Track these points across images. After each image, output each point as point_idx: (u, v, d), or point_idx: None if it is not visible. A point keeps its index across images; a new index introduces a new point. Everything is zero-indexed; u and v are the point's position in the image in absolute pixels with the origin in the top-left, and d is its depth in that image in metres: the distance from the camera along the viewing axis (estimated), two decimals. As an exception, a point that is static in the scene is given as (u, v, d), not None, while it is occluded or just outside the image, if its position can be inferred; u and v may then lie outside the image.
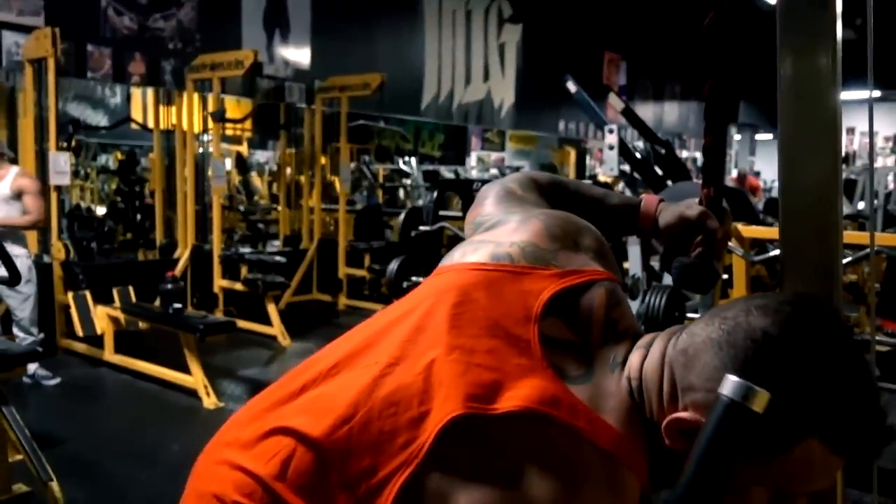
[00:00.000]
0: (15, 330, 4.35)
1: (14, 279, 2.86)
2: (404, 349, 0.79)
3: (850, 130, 17.14)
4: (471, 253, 0.89)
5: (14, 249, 4.23)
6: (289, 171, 8.46)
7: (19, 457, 2.92)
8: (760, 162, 19.08)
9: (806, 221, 0.80)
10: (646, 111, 13.24)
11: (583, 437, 0.71)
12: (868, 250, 2.12)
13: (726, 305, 0.77)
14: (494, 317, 0.80)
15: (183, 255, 6.15)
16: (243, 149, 10.65)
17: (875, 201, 9.18)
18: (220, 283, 5.96)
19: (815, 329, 0.70)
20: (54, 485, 2.62)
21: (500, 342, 0.78)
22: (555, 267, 0.84)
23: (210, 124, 6.10)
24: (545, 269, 0.84)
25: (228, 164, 9.07)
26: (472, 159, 13.64)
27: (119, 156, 10.79)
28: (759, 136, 18.70)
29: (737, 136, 17.15)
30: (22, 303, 4.32)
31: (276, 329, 5.61)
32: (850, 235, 3.74)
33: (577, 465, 0.70)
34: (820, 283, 0.80)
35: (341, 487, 0.73)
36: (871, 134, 0.94)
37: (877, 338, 2.34)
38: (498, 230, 0.93)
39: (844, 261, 2.24)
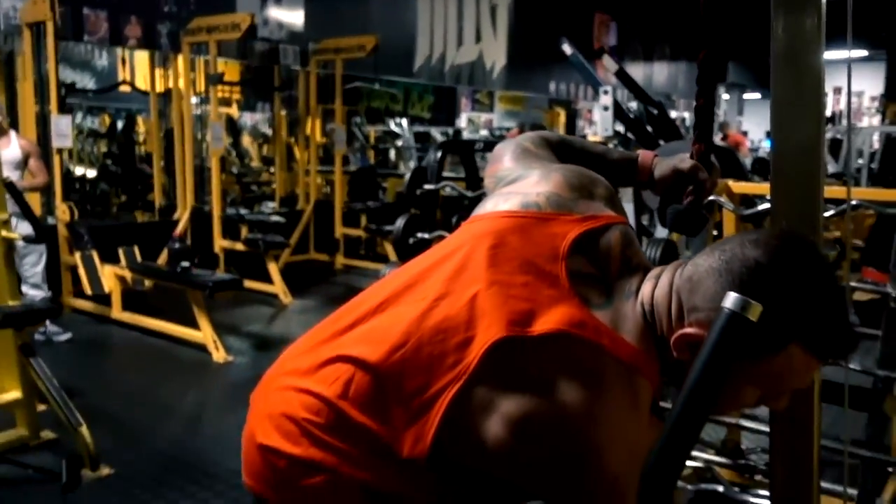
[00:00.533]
0: (24, 288, 4.47)
1: (41, 236, 2.98)
2: (449, 286, 0.94)
3: (838, 90, 17.24)
4: (502, 203, 1.04)
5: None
6: (282, 132, 8.52)
7: (43, 407, 3.08)
8: (748, 122, 19.20)
9: (793, 171, 0.94)
10: (636, 72, 13.28)
11: (606, 351, 0.86)
12: (846, 205, 2.27)
13: (724, 241, 0.92)
14: (527, 256, 0.95)
15: (183, 216, 6.24)
16: (233, 111, 10.64)
17: (860, 160, 9.36)
18: (220, 243, 6.07)
19: (798, 256, 0.85)
20: (84, 430, 2.77)
21: (533, 277, 0.92)
22: (576, 213, 1.00)
23: (208, 87, 6.14)
24: (568, 215, 0.99)
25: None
26: (462, 120, 13.68)
27: (107, 119, 10.77)
28: (746, 96, 18.80)
29: (725, 96, 17.24)
30: (37, 260, 4.45)
31: (278, 287, 5.75)
32: (831, 190, 3.90)
33: (601, 374, 0.84)
34: (804, 229, 0.94)
35: (397, 403, 0.89)
36: (850, 94, 1.07)
37: (858, 286, 2.51)
38: (522, 182, 1.07)
39: (826, 214, 2.40)
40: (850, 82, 1.13)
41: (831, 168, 9.52)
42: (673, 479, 0.78)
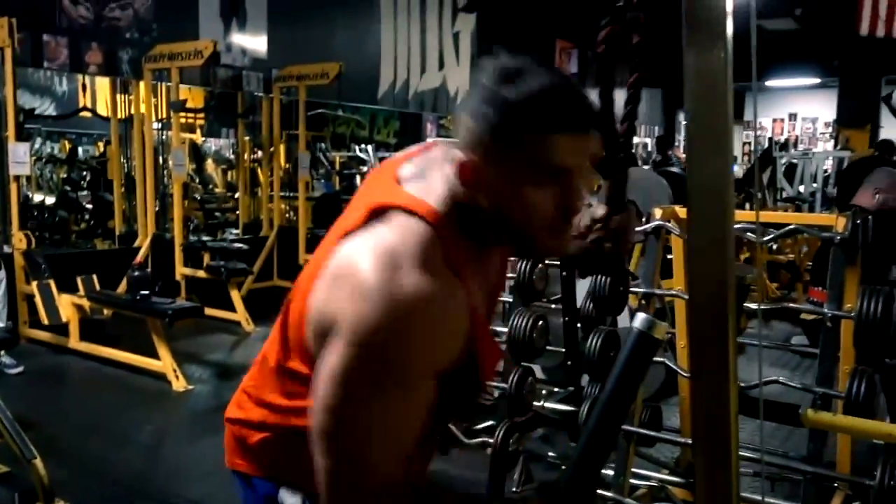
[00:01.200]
0: None
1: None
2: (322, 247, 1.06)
3: (793, 116, 17.79)
4: None
5: None
6: (245, 158, 8.52)
7: (-4, 440, 3.03)
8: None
9: (706, 202, 1.01)
10: (597, 98, 13.56)
11: (406, 209, 0.97)
12: (789, 228, 2.36)
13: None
14: (369, 191, 1.07)
15: (144, 243, 6.20)
16: (197, 137, 10.62)
17: (814, 184, 9.65)
18: (182, 270, 6.03)
19: (530, 68, 0.96)
20: (38, 462, 2.72)
21: (364, 197, 1.04)
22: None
23: (170, 113, 6.14)
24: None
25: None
26: (428, 145, 13.76)
27: (67, 144, 10.67)
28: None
29: (684, 122, 17.68)
30: None
31: (241, 314, 5.73)
32: (777, 216, 4.04)
33: (400, 225, 0.95)
34: (717, 256, 1.01)
35: (295, 343, 1.06)
36: (755, 123, 1.15)
37: (804, 306, 2.61)
38: None
39: (766, 238, 2.50)
40: (756, 109, 1.20)
41: (787, 192, 9.82)
42: (592, 486, 0.83)
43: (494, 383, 3.02)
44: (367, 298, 0.87)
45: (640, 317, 0.84)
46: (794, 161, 10.50)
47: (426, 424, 0.94)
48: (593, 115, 0.99)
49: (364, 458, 0.90)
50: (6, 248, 5.13)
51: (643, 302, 2.67)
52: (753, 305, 2.15)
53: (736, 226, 2.45)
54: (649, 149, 15.91)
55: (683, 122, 17.15)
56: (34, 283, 4.94)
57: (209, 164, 10.74)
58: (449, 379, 0.94)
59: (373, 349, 0.87)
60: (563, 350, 3.24)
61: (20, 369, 4.51)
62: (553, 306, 3.72)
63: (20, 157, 5.02)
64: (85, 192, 9.37)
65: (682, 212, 2.68)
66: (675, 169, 5.55)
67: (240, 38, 7.27)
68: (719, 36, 1.01)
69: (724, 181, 0.99)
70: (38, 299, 4.90)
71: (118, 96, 7.38)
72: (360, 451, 0.90)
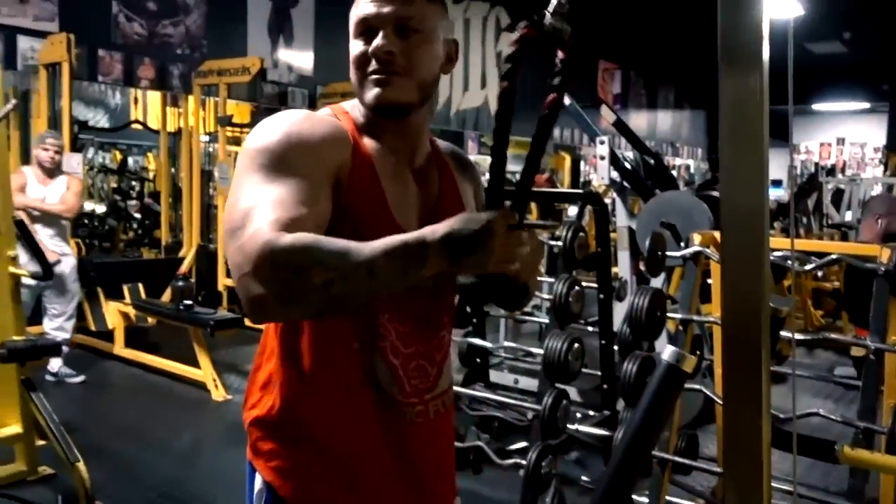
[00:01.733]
0: (48, 323, 4.51)
1: (47, 273, 3.06)
2: None
3: (841, 140, 17.44)
4: None
5: (63, 248, 4.42)
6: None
7: (42, 442, 3.12)
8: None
9: (741, 231, 1.01)
10: (640, 119, 13.49)
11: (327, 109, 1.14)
12: (830, 258, 2.33)
13: None
14: None
15: (188, 254, 6.34)
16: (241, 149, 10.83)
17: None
18: (224, 281, 6.15)
19: None
20: (81, 465, 2.80)
21: None
22: None
23: (216, 127, 6.30)
24: None
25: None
26: (469, 163, 13.83)
27: (118, 155, 10.98)
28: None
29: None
30: (69, 300, 4.52)
31: (279, 326, 5.80)
32: (820, 244, 3.97)
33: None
34: (751, 285, 1.01)
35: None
36: (791, 147, 1.14)
37: (844, 337, 2.56)
38: None
39: (807, 267, 2.46)
40: (791, 132, 1.20)
41: (834, 218, 9.60)
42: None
43: (529, 404, 3.02)
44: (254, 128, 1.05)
45: (669, 349, 0.85)
46: (842, 186, 10.28)
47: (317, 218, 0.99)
48: None
49: (238, 217, 0.95)
50: (57, 255, 5.30)
51: (681, 328, 2.65)
52: (793, 335, 2.11)
53: (775, 254, 2.42)
54: (692, 170, 15.73)
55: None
56: (83, 291, 5.09)
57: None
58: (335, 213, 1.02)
59: (249, 144, 1.02)
60: (600, 373, 3.23)
61: (81, 378, 4.57)
62: (590, 329, 3.71)
63: (74, 167, 5.18)
64: (133, 202, 9.63)
65: (720, 237, 2.66)
66: (715, 193, 5.49)
67: (286, 55, 7.43)
68: (755, 66, 1.02)
69: (759, 213, 0.99)
70: (86, 306, 5.05)
71: (168, 109, 7.59)
72: (237, 213, 0.96)
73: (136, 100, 8.89)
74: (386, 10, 1.04)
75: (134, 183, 10.25)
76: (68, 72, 5.12)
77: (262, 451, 1.14)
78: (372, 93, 1.06)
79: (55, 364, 4.48)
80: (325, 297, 0.88)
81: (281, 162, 0.99)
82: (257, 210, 0.94)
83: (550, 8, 0.97)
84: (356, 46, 1.07)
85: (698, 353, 3.13)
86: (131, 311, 5.08)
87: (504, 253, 0.90)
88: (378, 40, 1.04)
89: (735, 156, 1.03)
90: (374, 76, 1.05)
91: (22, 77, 5.78)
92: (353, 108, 1.13)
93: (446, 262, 0.89)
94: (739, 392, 1.04)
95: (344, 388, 1.09)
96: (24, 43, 5.52)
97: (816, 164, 11.40)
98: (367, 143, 1.10)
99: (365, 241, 0.91)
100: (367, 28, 1.05)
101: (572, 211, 2.84)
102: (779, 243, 2.48)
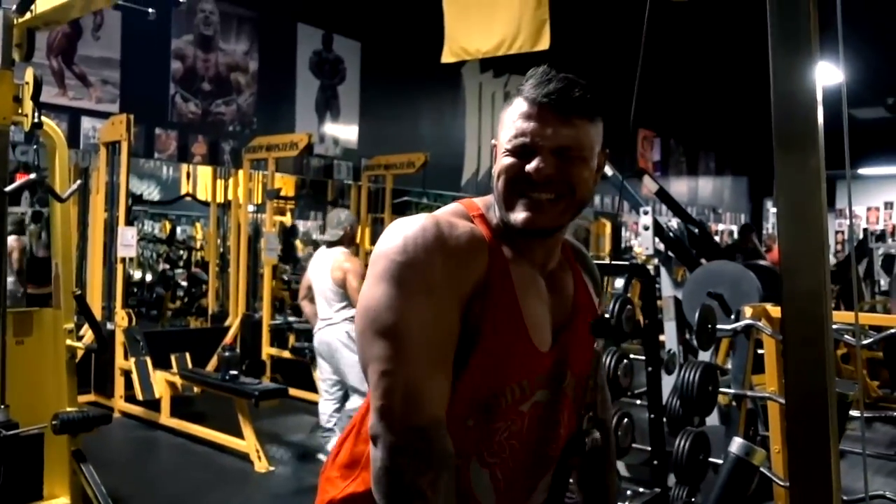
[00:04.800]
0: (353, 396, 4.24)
1: (102, 347, 3.13)
2: None
3: (889, 205, 17.10)
4: None
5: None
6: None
7: (89, 513, 3.14)
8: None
9: (803, 314, 1.00)
10: (680, 186, 13.46)
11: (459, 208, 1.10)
12: (890, 332, 2.27)
13: None
14: None
15: (234, 323, 6.43)
16: (287, 220, 11.08)
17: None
18: (268, 350, 6.21)
19: None
20: (127, 539, 2.81)
21: None
22: None
23: (265, 200, 6.47)
24: None
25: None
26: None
27: (167, 225, 11.32)
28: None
29: (773, 210, 17.24)
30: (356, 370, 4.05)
31: (322, 396, 5.80)
32: (876, 317, 3.86)
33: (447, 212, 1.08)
34: (816, 367, 0.99)
35: None
36: (851, 216, 1.14)
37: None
38: None
39: (865, 342, 2.40)
40: (850, 197, 1.19)
41: (884, 285, 9.35)
42: None
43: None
44: (384, 234, 1.03)
45: (737, 442, 0.84)
46: (893, 252, 10.05)
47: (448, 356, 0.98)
48: (559, 94, 1.01)
49: (389, 333, 0.96)
50: (109, 326, 5.43)
51: (733, 403, 2.59)
52: (855, 413, 2.04)
53: (832, 327, 2.37)
54: (735, 236, 15.54)
55: (772, 210, 16.69)
56: (132, 360, 5.19)
57: (298, 245, 11.15)
58: (465, 333, 0.99)
59: (391, 252, 0.99)
60: (649, 448, 3.15)
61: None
62: (637, 402, 3.63)
63: (128, 240, 5.36)
64: (181, 271, 9.87)
65: (773, 310, 2.62)
66: (764, 262, 5.41)
67: (332, 129, 7.67)
68: (812, 146, 1.03)
69: (820, 295, 0.98)
70: (134, 375, 5.13)
71: (218, 182, 7.85)
72: (384, 325, 0.96)
73: (188, 174, 9.22)
74: (549, 133, 1.01)
75: (182, 252, 10.53)
76: (127, 150, 5.34)
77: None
78: (522, 216, 1.03)
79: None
80: (407, 493, 0.93)
81: (425, 281, 0.97)
82: (420, 348, 0.95)
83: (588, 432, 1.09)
84: (507, 160, 1.03)
85: (752, 429, 3.04)
86: (178, 381, 5.14)
87: None
88: (537, 163, 1.01)
89: (795, 239, 1.03)
90: (527, 199, 1.02)
91: (83, 155, 6.07)
92: (489, 210, 1.09)
93: None
94: (807, 474, 1.01)
95: None
96: (86, 123, 5.81)
97: (865, 230, 11.19)
98: (504, 251, 1.06)
99: (498, 357, 1.02)
100: (524, 146, 1.02)
101: (618, 283, 2.82)
102: (837, 317, 2.43)
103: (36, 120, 2.47)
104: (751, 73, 5.09)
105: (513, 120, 1.03)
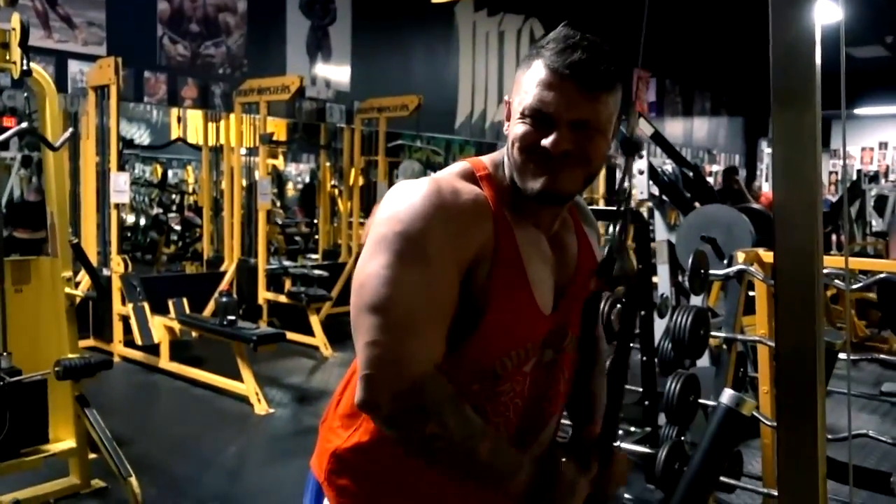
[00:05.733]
0: None
1: (101, 294, 3.16)
2: None
3: (883, 145, 17.07)
4: None
5: None
6: (326, 186, 8.79)
7: (94, 455, 3.22)
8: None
9: (794, 252, 1.03)
10: (675, 127, 13.37)
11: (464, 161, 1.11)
12: (879, 277, 2.30)
13: None
14: None
15: (229, 268, 6.46)
16: (279, 162, 11.00)
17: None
18: (264, 295, 6.26)
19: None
20: (133, 480, 2.89)
21: None
22: None
23: (257, 144, 6.42)
24: None
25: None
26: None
27: (159, 169, 11.22)
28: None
29: (767, 150, 17.17)
30: None
31: (319, 340, 5.89)
32: (867, 263, 3.89)
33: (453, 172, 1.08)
34: (807, 314, 1.02)
35: None
36: (845, 158, 1.15)
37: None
38: None
39: (854, 286, 2.44)
40: (844, 147, 1.20)
41: (877, 226, 9.41)
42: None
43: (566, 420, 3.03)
44: (385, 199, 1.03)
45: (728, 393, 0.87)
46: (885, 193, 10.08)
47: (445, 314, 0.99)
48: (581, 66, 0.99)
49: (380, 302, 0.96)
50: (105, 272, 5.45)
51: (724, 346, 2.65)
52: (842, 355, 2.10)
53: (823, 271, 2.40)
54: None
55: (767, 151, 16.58)
56: (129, 305, 5.23)
57: (290, 189, 11.10)
58: (466, 301, 1.00)
59: (388, 220, 0.99)
60: (640, 389, 3.22)
61: None
62: (630, 344, 3.69)
63: (121, 186, 5.34)
64: (174, 215, 9.85)
65: (765, 255, 2.65)
66: (756, 206, 5.43)
67: (324, 71, 7.55)
68: (809, 106, 1.04)
69: (812, 253, 1.00)
70: (132, 321, 5.18)
71: (209, 125, 7.76)
72: (377, 297, 0.96)
73: (179, 118, 9.10)
74: (569, 106, 0.99)
75: (174, 196, 10.48)
76: (116, 94, 5.27)
77: (337, 484, 1.14)
78: (538, 185, 1.02)
79: None
80: (422, 443, 0.96)
81: (422, 253, 0.97)
82: (403, 315, 0.95)
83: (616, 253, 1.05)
84: (523, 128, 1.01)
85: (742, 370, 3.11)
86: (176, 326, 5.19)
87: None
88: (554, 137, 0.99)
89: (789, 193, 1.05)
90: (543, 168, 1.02)
91: (72, 99, 5.98)
92: (497, 170, 1.09)
93: (520, 494, 0.99)
94: (795, 422, 1.05)
95: None
96: (73, 67, 5.71)
97: (859, 171, 11.19)
98: (509, 214, 1.06)
99: (503, 322, 1.02)
100: (542, 116, 1.00)
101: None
102: (828, 261, 2.46)
103: (25, 67, 2.43)
104: (748, 11, 5.00)
105: (533, 85, 1.00)
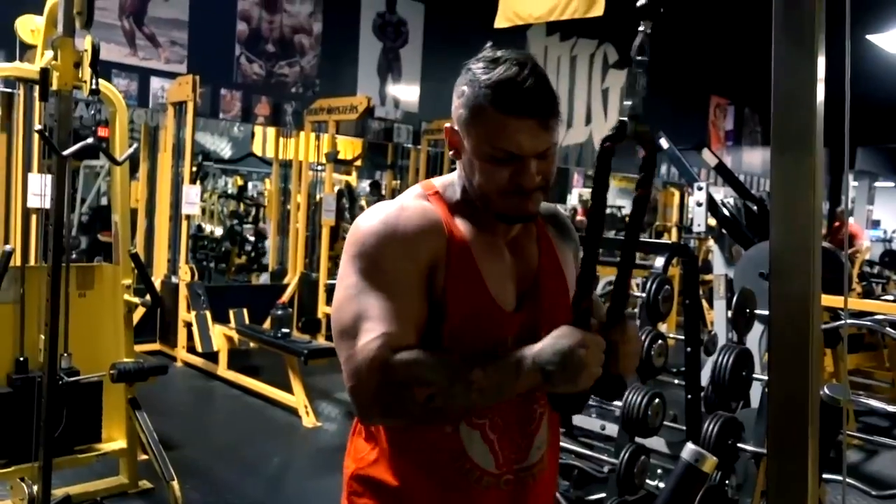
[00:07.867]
0: None
1: (156, 303, 3.30)
2: None
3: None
4: None
5: None
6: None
7: (144, 457, 3.34)
8: (880, 210, 18.12)
9: (789, 297, 1.00)
10: (754, 157, 12.97)
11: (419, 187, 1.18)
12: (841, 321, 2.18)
13: None
14: None
15: (291, 281, 6.63)
16: (352, 178, 11.23)
17: None
18: (324, 309, 6.38)
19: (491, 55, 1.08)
20: (175, 484, 2.99)
21: None
22: None
23: (324, 161, 6.58)
24: None
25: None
26: (574, 196, 13.76)
27: (239, 181, 11.64)
28: (878, 184, 17.80)
29: (854, 183, 16.41)
30: None
31: (373, 356, 5.94)
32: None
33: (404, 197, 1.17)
34: (798, 357, 0.99)
35: None
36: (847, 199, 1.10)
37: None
38: None
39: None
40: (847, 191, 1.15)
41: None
42: None
43: (606, 457, 2.97)
44: (353, 224, 1.12)
45: (689, 448, 0.85)
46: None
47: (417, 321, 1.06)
48: (535, 103, 1.04)
49: (347, 321, 1.04)
50: (173, 279, 5.68)
51: (765, 389, 2.54)
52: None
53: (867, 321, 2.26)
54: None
55: (853, 184, 15.64)
56: (193, 313, 5.42)
57: (363, 204, 11.30)
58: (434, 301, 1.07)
59: (350, 242, 1.09)
60: (685, 428, 3.13)
61: None
62: (676, 381, 3.60)
63: (192, 198, 5.57)
64: (249, 226, 10.17)
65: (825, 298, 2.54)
66: (825, 245, 5.20)
67: (394, 92, 7.69)
68: (809, 151, 1.02)
69: (807, 298, 0.97)
70: (195, 328, 5.38)
71: (281, 140, 8.01)
72: (344, 316, 1.05)
73: (252, 133, 9.44)
74: (536, 143, 1.06)
75: (251, 208, 10.83)
76: (192, 109, 5.52)
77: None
78: (510, 210, 1.09)
79: None
80: (426, 410, 1.00)
81: (378, 268, 1.06)
82: (364, 322, 1.03)
83: (625, 115, 1.06)
84: (497, 170, 1.07)
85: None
86: (235, 335, 5.35)
87: (598, 363, 0.97)
88: (528, 174, 1.06)
89: (786, 241, 1.02)
90: (514, 199, 1.08)
91: (152, 114, 6.28)
92: (446, 189, 1.17)
93: (539, 383, 0.98)
94: (785, 480, 1.01)
95: (436, 455, 1.13)
96: (155, 83, 6.01)
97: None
98: (460, 224, 1.13)
99: (466, 321, 1.07)
100: (513, 156, 1.06)
101: (658, 261, 2.78)
102: (868, 305, 2.34)
103: (94, 87, 2.58)
104: (831, 39, 4.82)
105: (492, 129, 1.06)
